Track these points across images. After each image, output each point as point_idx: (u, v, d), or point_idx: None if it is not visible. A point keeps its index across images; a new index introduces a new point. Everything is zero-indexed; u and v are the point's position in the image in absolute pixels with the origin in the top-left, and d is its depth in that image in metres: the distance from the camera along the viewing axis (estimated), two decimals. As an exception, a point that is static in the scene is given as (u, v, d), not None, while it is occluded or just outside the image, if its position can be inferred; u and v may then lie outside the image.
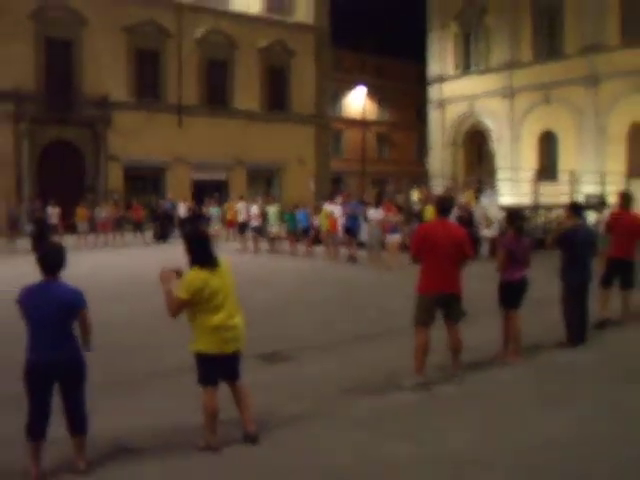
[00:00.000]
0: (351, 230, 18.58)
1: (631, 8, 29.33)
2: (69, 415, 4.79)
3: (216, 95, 32.94)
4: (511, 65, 33.83)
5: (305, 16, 35.98)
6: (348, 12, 39.87)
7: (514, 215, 8.28)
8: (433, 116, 38.70)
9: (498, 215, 17.63)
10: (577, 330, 8.36)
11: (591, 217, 15.67)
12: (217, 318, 5.08)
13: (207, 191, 29.88)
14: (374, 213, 17.88)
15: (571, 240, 8.43)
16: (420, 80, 41.63)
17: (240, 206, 22.60)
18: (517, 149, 33.88)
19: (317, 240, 19.88)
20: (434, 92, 38.30)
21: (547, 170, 31.14)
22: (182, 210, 26.12)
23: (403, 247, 16.36)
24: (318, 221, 19.55)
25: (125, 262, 19.38)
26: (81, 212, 23.73)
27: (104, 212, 24.32)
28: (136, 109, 30.19)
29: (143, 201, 28.09)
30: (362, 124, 48.71)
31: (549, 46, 32.74)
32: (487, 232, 17.61)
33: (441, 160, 37.56)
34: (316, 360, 7.86)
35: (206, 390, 5.18)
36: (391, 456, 4.95)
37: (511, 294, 7.53)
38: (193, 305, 5.08)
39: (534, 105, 33.40)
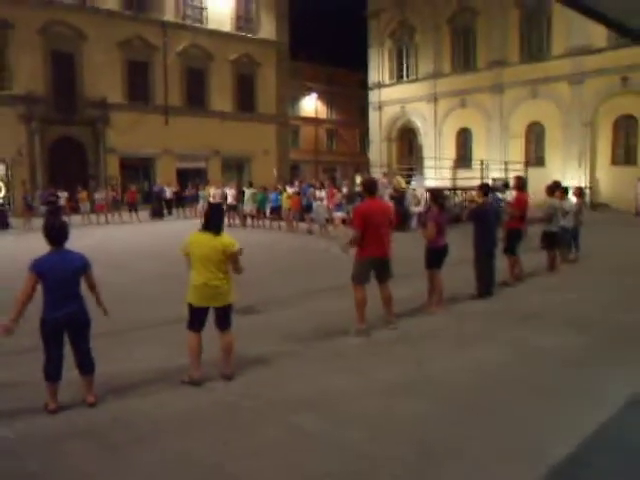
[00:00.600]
0: (307, 208, 18.83)
1: (527, 30, 29.69)
2: (79, 358, 4.76)
3: (196, 98, 32.43)
4: (435, 75, 33.90)
5: (268, 33, 35.55)
6: (304, 30, 39.47)
7: (437, 194, 8.38)
8: (373, 116, 38.62)
9: (424, 195, 18.01)
10: (486, 285, 8.57)
11: (497, 196, 15.91)
12: (201, 277, 5.08)
13: (190, 177, 29.94)
14: (321, 194, 18.44)
15: (481, 214, 8.61)
16: (362, 86, 41.40)
17: (213, 191, 22.42)
18: (440, 142, 34.11)
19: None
20: (373, 96, 38.19)
21: (463, 159, 31.49)
22: (168, 193, 26.04)
23: (345, 221, 16.49)
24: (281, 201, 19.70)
25: (124, 236, 19.05)
26: (82, 195, 23.32)
27: (101, 195, 24.10)
28: (129, 110, 29.52)
29: (137, 186, 27.79)
30: (315, 122, 49.12)
31: (464, 60, 32.81)
32: (415, 209, 17.83)
33: (379, 152, 37.59)
34: (281, 312, 7.91)
35: (190, 333, 5.20)
36: (339, 386, 5.04)
37: (436, 257, 7.66)
38: (190, 262, 5.15)
39: (453, 108, 33.61)
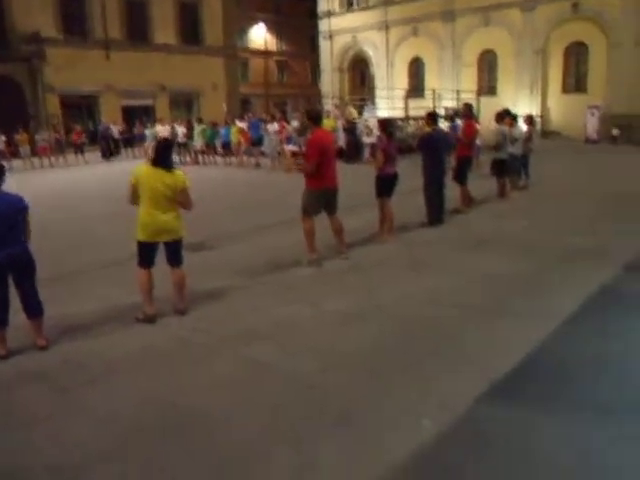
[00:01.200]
0: (256, 142, 18.60)
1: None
2: (25, 301, 4.67)
3: (137, 31, 30.75)
4: (386, 2, 33.04)
5: (213, -41, 33.82)
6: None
7: (386, 123, 8.30)
8: (323, 46, 37.65)
9: (376, 125, 17.87)
10: (436, 213, 8.70)
11: (448, 124, 15.93)
12: (150, 212, 5.02)
13: (137, 115, 28.84)
14: (272, 127, 18.17)
15: (429, 142, 8.62)
16: (312, 15, 40.09)
17: (161, 128, 21.73)
18: (392, 72, 33.65)
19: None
20: (323, 25, 37.12)
21: (416, 89, 31.19)
22: (115, 131, 25.16)
23: (297, 154, 16.34)
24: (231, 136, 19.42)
25: (71, 178, 18.42)
26: (22, 137, 22.13)
27: (43, 136, 22.86)
28: (66, 45, 27.82)
29: (82, 126, 26.52)
30: (264, 54, 47.53)
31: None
32: (367, 139, 17.72)
33: (331, 83, 36.91)
34: (233, 247, 7.88)
35: (140, 270, 5.16)
36: (292, 318, 5.10)
37: (385, 186, 7.68)
38: (138, 196, 5.04)
39: (405, 37, 33.00)
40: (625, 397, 3.44)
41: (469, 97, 23.47)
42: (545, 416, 3.26)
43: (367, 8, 34.70)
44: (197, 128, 20.39)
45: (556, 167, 15.61)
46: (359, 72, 37.89)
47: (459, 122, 15.60)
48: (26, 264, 4.63)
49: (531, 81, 27.74)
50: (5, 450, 3.26)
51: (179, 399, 3.73)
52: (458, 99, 23.79)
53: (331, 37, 37.02)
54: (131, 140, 25.19)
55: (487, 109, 18.90)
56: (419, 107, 21.83)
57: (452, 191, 9.52)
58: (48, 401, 3.85)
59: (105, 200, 12.42)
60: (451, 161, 9.73)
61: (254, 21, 46.54)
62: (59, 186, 16.12)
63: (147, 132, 22.90)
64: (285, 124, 18.71)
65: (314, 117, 7.00)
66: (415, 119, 21.14)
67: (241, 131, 19.06)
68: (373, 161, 8.05)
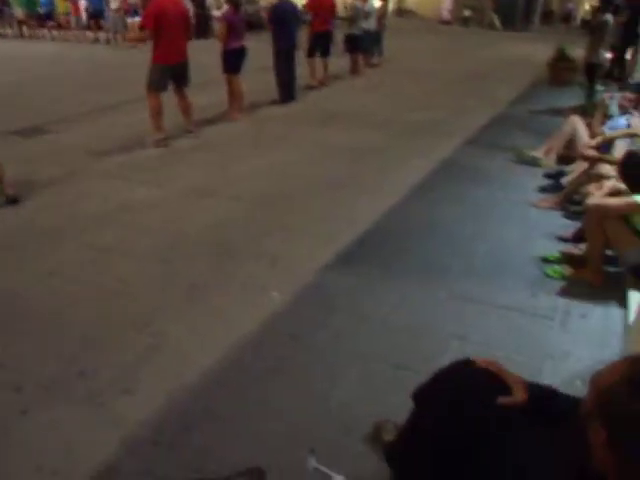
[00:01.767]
0: (95, 14, 16.76)
1: None
2: None
3: None
4: None
5: None
6: None
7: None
8: None
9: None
10: (287, 89, 8.55)
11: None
12: None
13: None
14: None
15: (276, 13, 8.27)
16: None
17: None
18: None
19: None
20: None
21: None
22: None
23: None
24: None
25: None
26: None
27: None
28: None
29: None
30: None
31: None
32: (217, 12, 16.68)
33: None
34: (71, 130, 7.22)
35: None
36: (139, 198, 4.86)
37: (232, 61, 7.32)
38: None
39: None
40: (456, 261, 3.75)
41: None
42: (383, 281, 3.46)
43: None
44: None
45: (409, 45, 15.86)
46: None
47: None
48: None
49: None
50: None
51: (19, 289, 3.48)
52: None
53: None
54: None
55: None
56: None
57: (304, 67, 9.37)
58: None
59: None
60: (303, 36, 9.47)
61: None
62: None
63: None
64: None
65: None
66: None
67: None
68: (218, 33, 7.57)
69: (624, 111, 5.47)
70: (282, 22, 8.12)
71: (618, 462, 1.13)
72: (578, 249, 3.77)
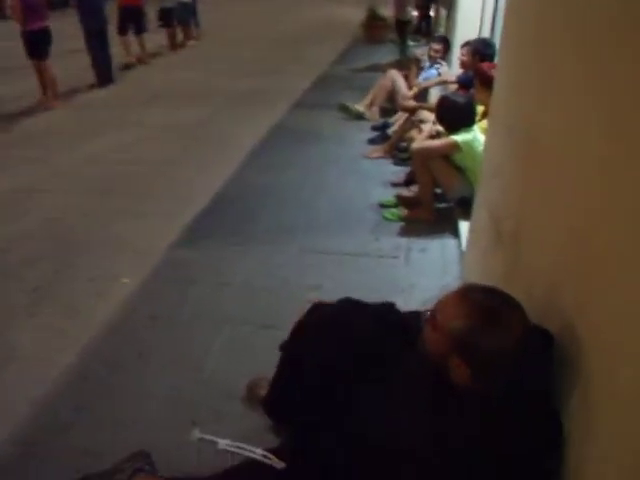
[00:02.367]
0: None
1: None
2: None
3: None
4: None
5: None
6: None
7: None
8: None
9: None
10: (105, 71, 8.10)
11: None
12: None
13: None
14: None
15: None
16: None
17: None
18: None
19: None
20: None
21: None
22: None
23: None
24: None
25: None
26: None
27: None
28: None
29: None
30: None
31: None
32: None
33: None
34: None
35: None
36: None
37: (36, 43, 6.73)
38: None
39: None
40: (301, 218, 3.89)
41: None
42: (235, 247, 3.50)
43: None
44: None
45: (227, 14, 15.66)
46: None
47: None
48: None
49: None
50: None
51: None
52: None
53: None
54: None
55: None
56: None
57: (119, 46, 8.94)
58: None
59: None
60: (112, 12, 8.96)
61: None
62: None
63: None
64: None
65: None
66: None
67: None
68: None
69: (434, 62, 5.92)
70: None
71: (483, 388, 1.32)
72: (410, 191, 4.09)
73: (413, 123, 4.76)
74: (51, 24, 6.91)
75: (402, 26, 10.12)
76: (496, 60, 3.66)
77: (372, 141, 5.45)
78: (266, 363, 2.39)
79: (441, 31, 9.04)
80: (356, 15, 12.91)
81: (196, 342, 2.64)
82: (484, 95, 3.70)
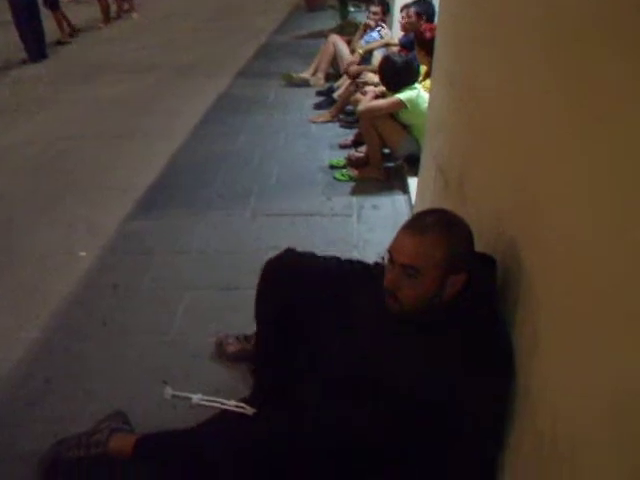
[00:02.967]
0: None
1: None
2: None
3: None
4: None
5: None
6: None
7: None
8: None
9: None
10: (36, 46, 7.80)
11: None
12: None
13: None
14: None
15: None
16: None
17: None
18: None
19: None
20: None
21: None
22: None
23: None
24: None
25: None
26: None
27: None
28: None
29: None
30: None
31: None
32: None
33: None
34: None
35: None
36: None
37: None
38: None
39: None
40: (254, 183, 3.93)
41: None
42: (191, 216, 3.53)
43: None
44: None
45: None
46: None
47: None
48: None
49: None
50: None
51: None
52: None
53: None
54: None
55: None
56: None
57: (50, 20, 8.61)
58: None
59: None
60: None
61: None
62: None
63: None
64: None
65: None
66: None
67: None
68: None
69: (376, 25, 5.97)
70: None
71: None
72: (359, 152, 4.18)
73: (358, 86, 4.83)
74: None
75: (342, -8, 10.09)
76: (436, 20, 3.76)
77: (318, 106, 5.50)
78: (231, 323, 2.48)
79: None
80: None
81: (160, 308, 2.68)
82: (423, 57, 3.83)
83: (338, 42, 6.16)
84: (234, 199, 3.73)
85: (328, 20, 9.18)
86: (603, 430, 0.96)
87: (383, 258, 1.55)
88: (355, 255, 2.97)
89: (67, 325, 2.62)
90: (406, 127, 3.77)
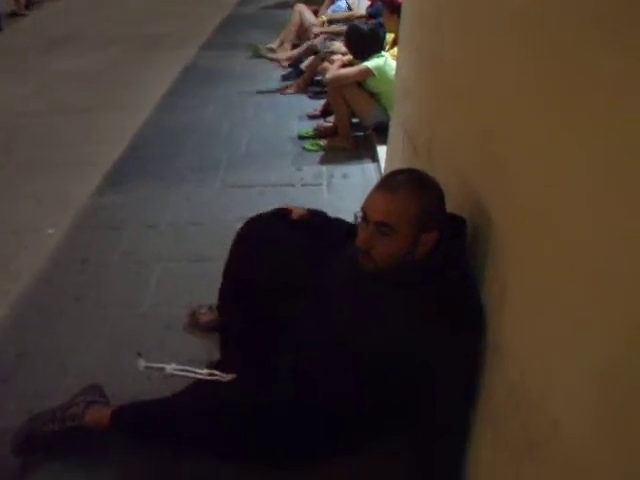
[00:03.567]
0: None
1: None
2: None
3: None
4: None
5: None
6: None
7: None
8: None
9: None
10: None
11: None
12: None
13: None
14: None
15: None
16: None
17: None
18: None
19: None
20: None
21: None
22: None
23: None
24: None
25: None
26: None
27: None
28: None
29: None
30: None
31: None
32: None
33: None
34: None
35: None
36: None
37: None
38: None
39: None
40: (223, 154, 3.89)
41: None
42: (160, 189, 3.47)
43: None
44: None
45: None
46: None
47: None
48: None
49: None
50: None
51: None
52: None
53: None
54: None
55: None
56: None
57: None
58: None
59: None
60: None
61: None
62: None
63: None
64: None
65: None
66: None
67: None
68: None
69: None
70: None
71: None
72: (327, 122, 4.15)
73: (325, 55, 4.77)
74: None
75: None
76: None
77: (285, 77, 5.43)
78: (202, 294, 2.46)
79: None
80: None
81: (130, 281, 2.65)
82: (393, 23, 3.78)
83: (304, 11, 6.06)
84: (203, 171, 3.68)
85: (295, -10, 9.00)
86: (570, 377, 0.98)
87: (357, 218, 1.54)
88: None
89: (38, 301, 2.57)
90: (374, 95, 3.75)
